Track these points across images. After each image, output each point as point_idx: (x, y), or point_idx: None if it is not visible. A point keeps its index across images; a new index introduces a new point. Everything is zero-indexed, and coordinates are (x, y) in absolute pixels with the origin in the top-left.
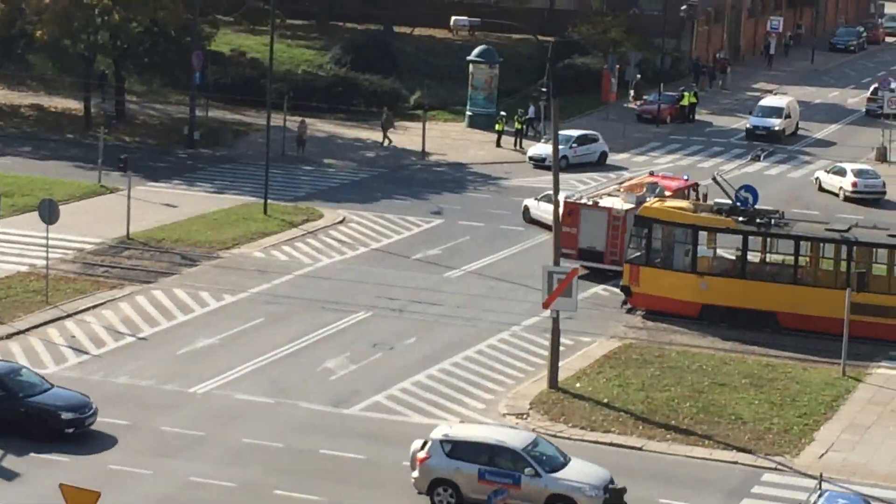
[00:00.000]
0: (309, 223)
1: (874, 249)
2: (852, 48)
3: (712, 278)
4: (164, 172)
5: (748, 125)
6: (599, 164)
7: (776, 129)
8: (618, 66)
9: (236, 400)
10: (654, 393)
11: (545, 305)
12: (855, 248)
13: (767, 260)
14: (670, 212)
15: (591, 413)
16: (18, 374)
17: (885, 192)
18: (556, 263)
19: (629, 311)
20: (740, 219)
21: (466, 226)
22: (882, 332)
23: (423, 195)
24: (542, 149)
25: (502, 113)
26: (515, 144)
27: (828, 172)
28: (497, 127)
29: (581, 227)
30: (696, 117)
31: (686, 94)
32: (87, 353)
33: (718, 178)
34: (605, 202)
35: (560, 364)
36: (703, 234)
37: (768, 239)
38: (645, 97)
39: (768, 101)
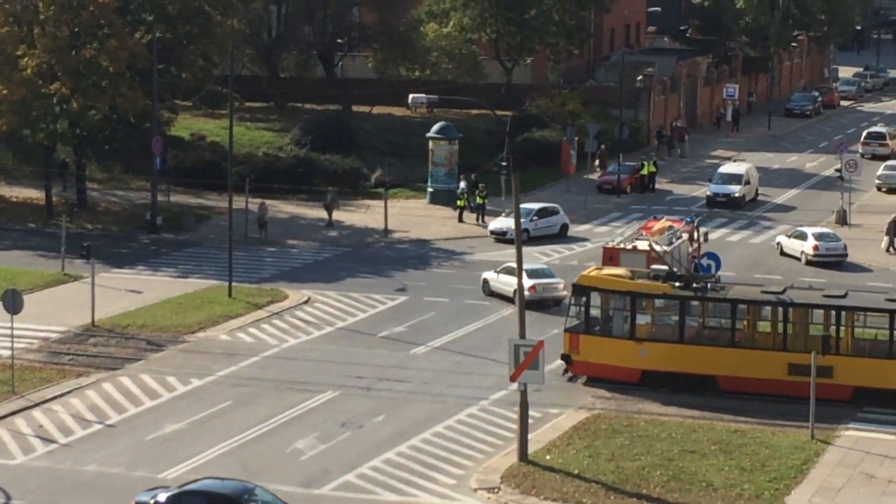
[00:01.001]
0: (274, 304)
1: (809, 310)
2: (808, 113)
3: (651, 344)
4: (127, 259)
5: (708, 193)
6: (561, 237)
7: (736, 195)
8: (576, 138)
9: None
10: (625, 462)
11: (512, 379)
12: (790, 309)
13: (706, 324)
14: (608, 280)
15: (563, 485)
16: (253, 495)
17: (846, 255)
18: (522, 336)
19: (570, 380)
20: (677, 284)
21: (431, 302)
22: (820, 393)
23: (388, 273)
24: (503, 222)
25: (462, 185)
26: (477, 219)
27: (789, 237)
28: (459, 202)
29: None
30: (657, 186)
31: (646, 163)
32: (55, 442)
33: (655, 246)
34: (643, 245)
35: (529, 436)
36: (640, 301)
37: (706, 303)
38: (609, 167)
39: (727, 168)
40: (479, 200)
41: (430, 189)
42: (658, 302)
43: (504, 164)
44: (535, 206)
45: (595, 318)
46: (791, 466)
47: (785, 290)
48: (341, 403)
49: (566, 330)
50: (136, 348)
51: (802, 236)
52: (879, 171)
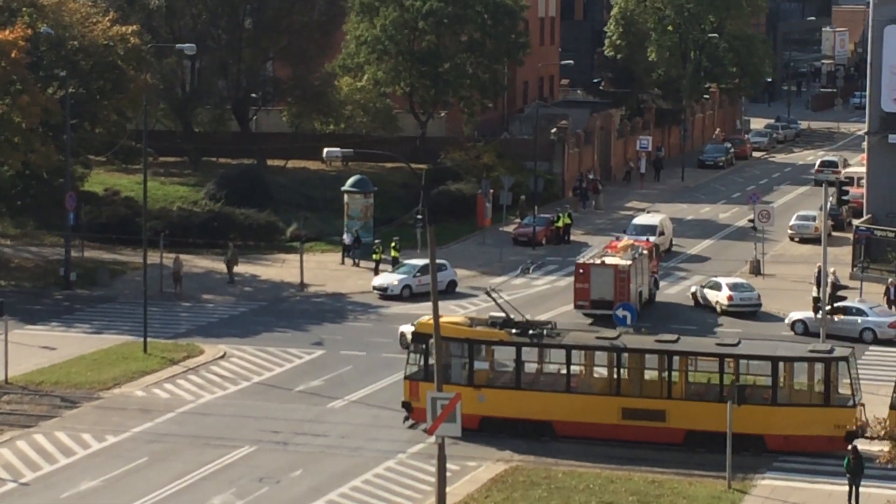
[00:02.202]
0: (190, 359)
1: (644, 355)
2: (721, 164)
3: (489, 390)
4: (40, 315)
5: None
6: (448, 293)
7: None
8: (492, 191)
9: None
10: None
11: (430, 432)
12: (624, 354)
13: (542, 370)
14: (446, 327)
15: None
16: None
17: (760, 305)
18: (439, 389)
19: (412, 427)
20: (514, 331)
21: (348, 355)
22: (654, 436)
23: (304, 326)
24: (386, 279)
25: (377, 241)
26: (393, 271)
27: (703, 287)
28: (374, 256)
29: (592, 282)
30: (572, 238)
31: (561, 215)
32: None
33: (493, 294)
34: (610, 260)
35: (447, 490)
36: (478, 348)
37: (542, 350)
38: (524, 220)
39: (641, 219)
40: (393, 254)
41: (345, 243)
42: (495, 349)
43: (420, 216)
44: (420, 262)
45: (434, 366)
46: None
47: (619, 335)
48: (258, 459)
49: (406, 378)
50: (50, 405)
51: (717, 287)
52: (792, 222)
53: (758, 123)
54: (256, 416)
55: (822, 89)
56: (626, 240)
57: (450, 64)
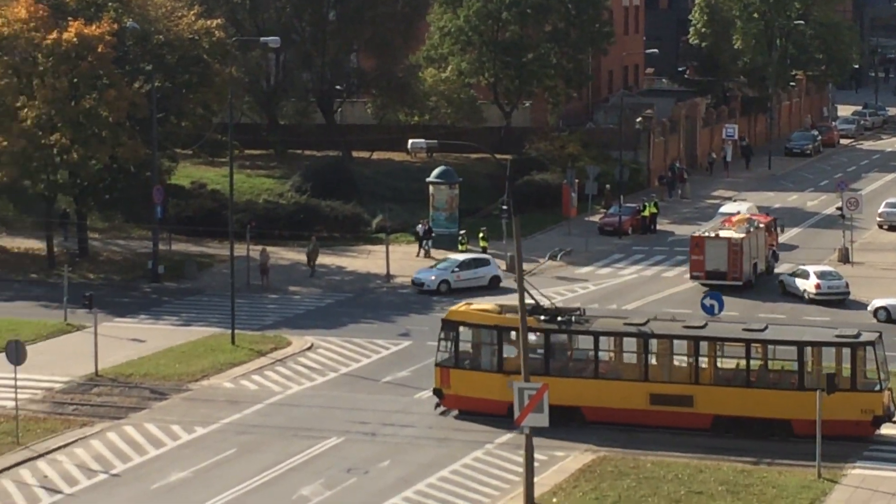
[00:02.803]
0: (277, 351)
1: (671, 341)
2: (808, 152)
3: (519, 377)
4: (129, 308)
5: None
6: (491, 288)
7: None
8: (577, 181)
9: None
10: None
11: (517, 422)
12: (652, 340)
13: (571, 356)
14: (476, 314)
15: None
16: None
17: (848, 293)
18: (526, 379)
19: (443, 414)
20: (542, 318)
21: (434, 346)
22: (681, 421)
23: (390, 318)
24: (424, 274)
25: (462, 232)
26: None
27: (791, 275)
28: (460, 247)
29: (707, 254)
30: (658, 227)
31: (647, 204)
32: (60, 492)
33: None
34: (725, 233)
35: (535, 480)
36: (507, 335)
37: (571, 336)
38: (610, 209)
39: (728, 208)
40: (482, 244)
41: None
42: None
43: (505, 207)
44: (462, 257)
45: (464, 353)
46: None
47: (647, 321)
48: (346, 449)
49: (437, 364)
50: (139, 397)
51: (805, 275)
52: (880, 209)
53: (845, 111)
54: (344, 407)
55: None
56: (742, 214)
57: (534, 54)
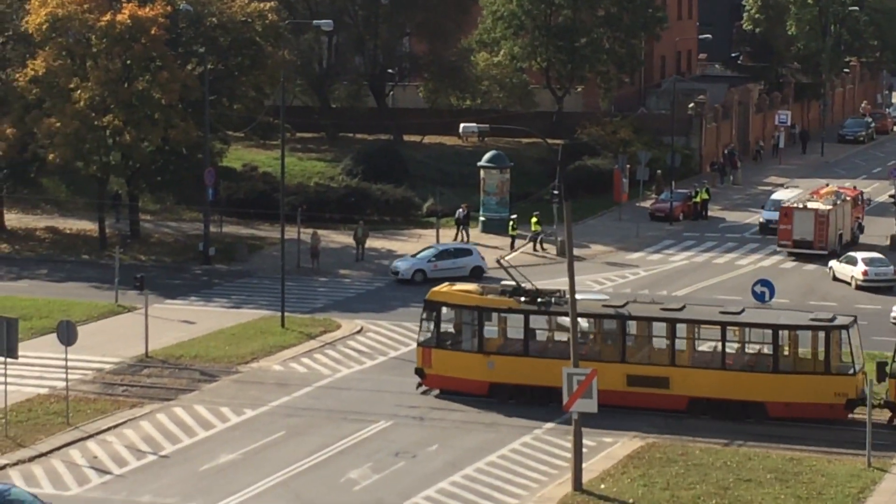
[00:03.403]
0: (327, 334)
1: (649, 323)
2: (861, 139)
3: (499, 357)
4: (180, 290)
5: (761, 219)
6: (473, 279)
7: None
8: (628, 166)
9: None
10: (680, 491)
11: (566, 408)
12: (630, 322)
13: (550, 338)
14: (457, 295)
15: None
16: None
17: (895, 280)
18: (575, 365)
19: (424, 393)
20: (523, 299)
21: None
22: (657, 403)
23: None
24: (402, 263)
25: (514, 216)
26: (534, 247)
27: (840, 262)
28: (511, 231)
29: (794, 224)
30: (709, 213)
31: (699, 190)
32: (109, 472)
33: (503, 263)
34: (812, 204)
35: (584, 465)
36: (488, 315)
37: (550, 317)
38: (662, 195)
39: (780, 194)
40: (533, 228)
41: (482, 218)
42: (504, 316)
43: (556, 192)
44: (442, 247)
45: (445, 333)
46: (848, 495)
47: (626, 303)
48: (395, 433)
49: (419, 344)
50: (189, 379)
51: (853, 261)
52: None
53: None
54: (392, 390)
55: None
56: (830, 186)
57: (586, 39)
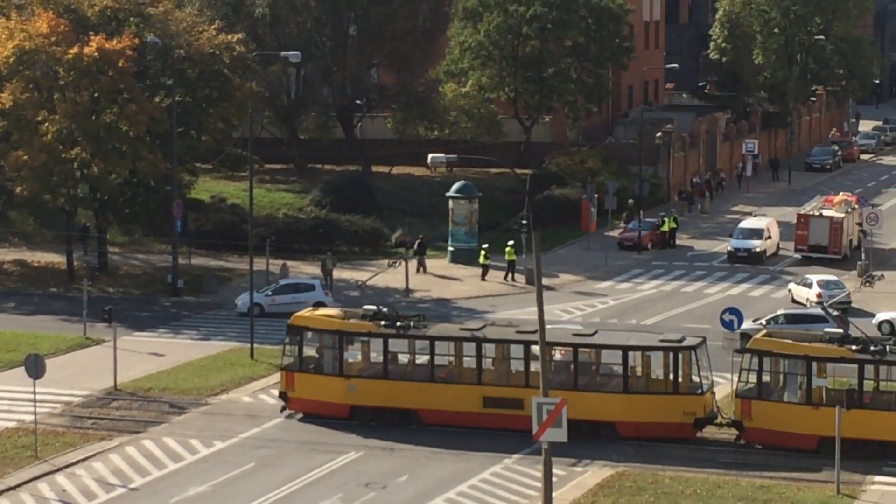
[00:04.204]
0: None
1: (504, 346)
2: (828, 167)
3: (359, 380)
4: (149, 322)
5: (729, 248)
6: None
7: (757, 250)
8: (596, 196)
9: None
10: None
11: (536, 437)
12: (486, 344)
13: (409, 360)
14: (319, 319)
15: None
16: None
17: (849, 303)
18: (545, 394)
19: (288, 417)
20: (382, 323)
21: None
22: (511, 423)
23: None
24: (241, 296)
25: (485, 246)
26: (506, 277)
27: (798, 284)
28: (482, 261)
29: (811, 231)
30: (677, 242)
31: (666, 219)
32: None
33: (363, 286)
34: (827, 212)
35: (554, 495)
36: (349, 339)
37: (408, 341)
38: (629, 224)
39: (748, 223)
40: (509, 257)
41: (450, 248)
42: (364, 340)
43: (524, 222)
44: (285, 282)
45: (308, 357)
46: None
47: (483, 327)
48: (364, 464)
49: (281, 368)
50: (158, 411)
51: (808, 284)
52: None
53: (865, 126)
54: (362, 421)
55: None
56: (841, 195)
57: (554, 69)
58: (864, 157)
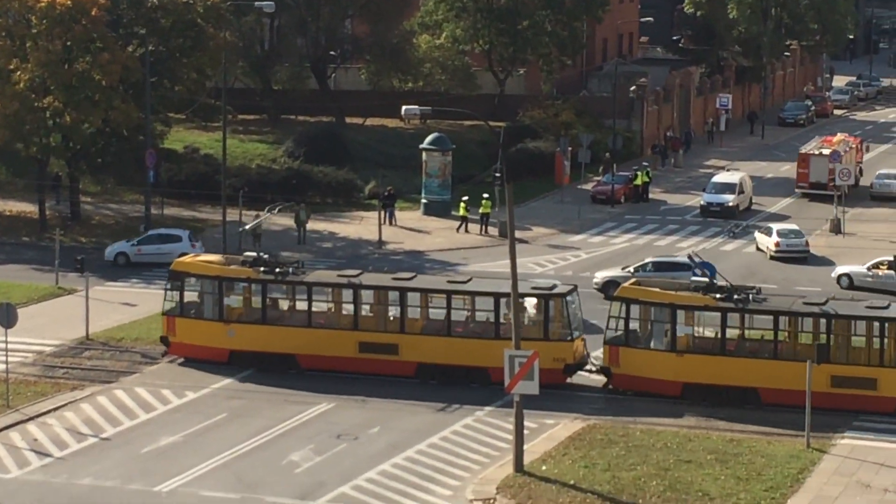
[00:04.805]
0: None
1: (380, 292)
2: (801, 122)
3: (238, 325)
4: (121, 272)
5: (702, 202)
6: None
7: (730, 204)
8: (570, 149)
9: (202, 497)
10: (621, 472)
11: (508, 389)
12: (361, 291)
13: (289, 306)
14: (199, 265)
15: (558, 495)
16: None
17: (807, 252)
18: (517, 347)
19: (171, 362)
20: (262, 269)
21: None
22: (387, 369)
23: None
24: (110, 247)
25: (465, 198)
26: (481, 230)
27: (761, 232)
28: (461, 212)
29: (811, 169)
30: (650, 196)
31: (639, 173)
32: (50, 455)
33: (245, 230)
34: (825, 151)
35: (525, 447)
36: (229, 285)
37: (287, 286)
38: (602, 178)
39: (721, 177)
40: (484, 210)
41: (423, 200)
42: (245, 286)
43: (498, 175)
44: (154, 232)
45: (189, 302)
46: (787, 475)
47: (360, 273)
48: (336, 415)
49: (163, 313)
50: (130, 361)
51: (769, 232)
52: (873, 180)
53: (839, 81)
54: (335, 373)
55: None
56: (839, 135)
57: (528, 21)
58: (837, 112)
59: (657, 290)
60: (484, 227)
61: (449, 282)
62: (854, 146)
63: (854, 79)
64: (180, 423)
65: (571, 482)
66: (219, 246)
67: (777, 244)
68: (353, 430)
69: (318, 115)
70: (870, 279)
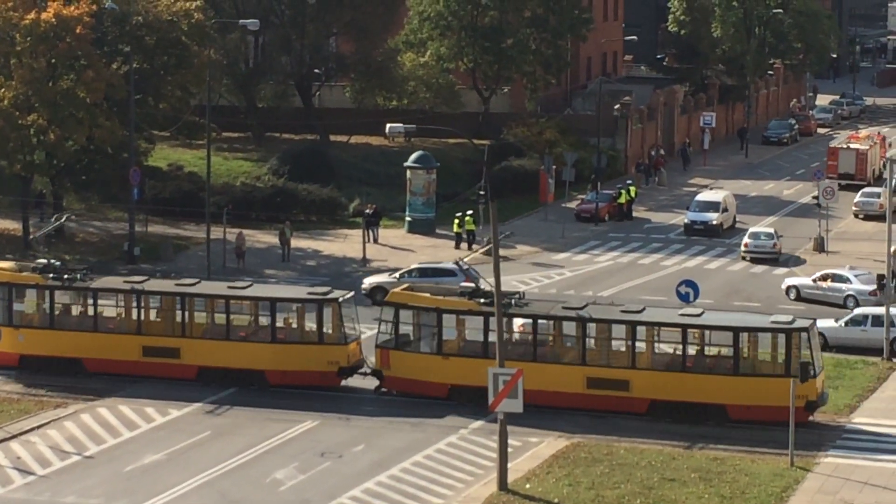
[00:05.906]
0: None
1: (165, 297)
2: (785, 140)
3: (27, 330)
4: None
5: (686, 220)
6: None
7: (714, 223)
8: (554, 167)
9: None
10: (605, 491)
11: (492, 408)
12: (146, 297)
13: (75, 312)
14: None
15: None
16: None
17: (775, 254)
18: (501, 365)
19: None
20: (50, 276)
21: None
22: (169, 372)
23: (366, 302)
24: None
25: (458, 214)
26: (469, 247)
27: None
28: (455, 229)
29: (840, 161)
30: (634, 214)
31: (623, 191)
32: (33, 473)
33: (39, 235)
34: (854, 145)
35: (509, 465)
36: (18, 291)
37: (73, 292)
38: (586, 196)
39: (705, 195)
40: (468, 227)
41: (408, 218)
42: (32, 292)
43: (482, 192)
44: None
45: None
46: (771, 494)
47: (146, 280)
48: (320, 433)
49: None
50: (113, 379)
51: (748, 235)
52: (856, 199)
53: (822, 100)
54: (319, 391)
55: (889, 65)
56: (865, 131)
57: (513, 40)
58: (821, 130)
59: (426, 295)
60: (468, 244)
61: (229, 287)
62: (878, 142)
63: (837, 97)
64: (164, 441)
65: (555, 500)
66: (203, 263)
67: (746, 245)
68: (337, 448)
69: (302, 133)
70: (815, 291)
